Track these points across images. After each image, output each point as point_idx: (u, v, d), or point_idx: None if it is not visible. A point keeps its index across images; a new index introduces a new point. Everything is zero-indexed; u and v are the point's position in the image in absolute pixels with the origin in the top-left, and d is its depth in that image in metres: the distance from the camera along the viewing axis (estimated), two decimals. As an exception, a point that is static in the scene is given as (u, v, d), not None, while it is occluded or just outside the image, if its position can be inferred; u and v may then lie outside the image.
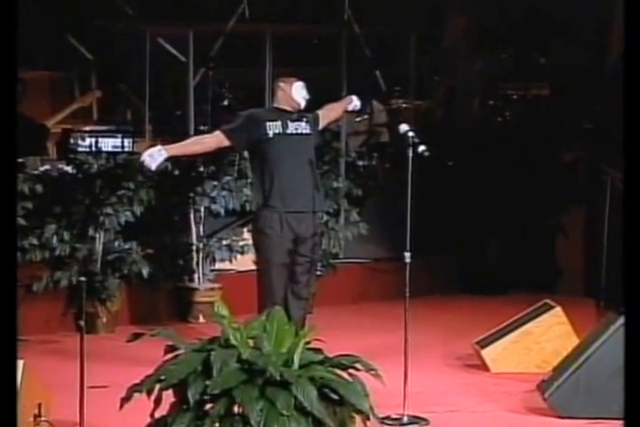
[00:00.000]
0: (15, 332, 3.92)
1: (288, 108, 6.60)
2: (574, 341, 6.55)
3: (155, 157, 6.42)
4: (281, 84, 6.63)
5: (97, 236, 7.81)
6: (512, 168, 9.78)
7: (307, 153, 6.55)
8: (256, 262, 6.76)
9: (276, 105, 6.67)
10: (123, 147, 8.77)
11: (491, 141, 10.18)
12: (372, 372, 4.33)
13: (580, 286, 9.24)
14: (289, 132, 6.53)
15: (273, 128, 6.50)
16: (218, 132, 6.58)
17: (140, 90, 9.74)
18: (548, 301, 7.11)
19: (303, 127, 6.59)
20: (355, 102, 7.02)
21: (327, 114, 6.90)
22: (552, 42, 10.58)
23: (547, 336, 6.84)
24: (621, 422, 5.56)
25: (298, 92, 6.60)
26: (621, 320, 5.76)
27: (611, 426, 5.61)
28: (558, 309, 6.94)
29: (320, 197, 6.61)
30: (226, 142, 6.54)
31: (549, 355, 6.64)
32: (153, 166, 6.46)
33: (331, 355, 4.41)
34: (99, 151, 8.31)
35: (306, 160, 6.52)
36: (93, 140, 8.61)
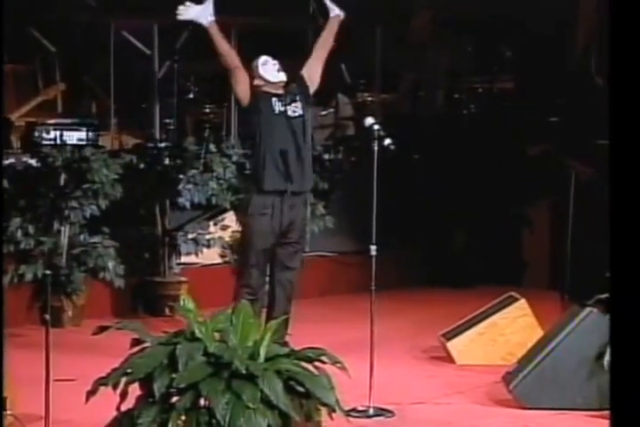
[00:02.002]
0: (2, 325, 3.90)
1: (277, 92, 6.53)
2: (539, 333, 6.59)
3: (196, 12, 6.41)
4: (256, 82, 6.51)
5: (62, 229, 7.77)
6: (478, 161, 9.82)
7: (304, 134, 6.54)
8: (240, 244, 6.78)
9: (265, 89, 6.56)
10: (87, 140, 8.73)
11: (456, 134, 10.22)
12: (338, 365, 4.34)
13: (545, 279, 9.30)
14: (289, 114, 6.50)
15: (278, 106, 6.49)
16: (239, 66, 6.50)
17: (104, 83, 9.69)
18: (512, 293, 7.15)
19: (299, 108, 6.55)
20: (336, 12, 6.94)
21: (315, 64, 6.73)
22: (517, 35, 10.63)
23: (512, 328, 6.89)
24: (585, 412, 5.65)
25: (266, 70, 6.51)
26: (585, 312, 5.81)
27: (574, 417, 5.66)
28: (523, 301, 6.98)
29: (310, 176, 6.65)
30: (236, 71, 6.47)
31: (514, 347, 6.68)
32: (185, 16, 6.48)
33: (297, 348, 4.41)
34: (63, 144, 8.26)
35: (302, 142, 6.52)
36: (58, 133, 8.55)
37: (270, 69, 6.55)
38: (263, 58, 6.59)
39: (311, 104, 6.80)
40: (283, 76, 6.57)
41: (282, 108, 6.51)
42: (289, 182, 6.43)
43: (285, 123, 6.49)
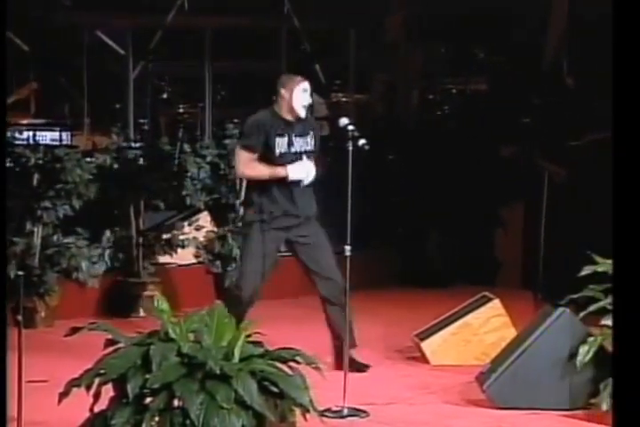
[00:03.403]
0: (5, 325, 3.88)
1: (290, 118, 6.41)
2: (512, 333, 6.61)
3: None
4: (282, 92, 6.38)
5: (35, 230, 7.74)
6: (452, 162, 9.85)
7: None
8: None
9: (277, 110, 6.43)
10: (61, 140, 8.70)
11: (430, 135, 10.24)
12: (313, 365, 4.34)
13: (519, 279, 9.33)
14: (294, 150, 6.41)
15: (280, 146, 6.37)
16: (240, 151, 6.42)
17: (78, 83, 9.66)
18: (486, 293, 7.16)
19: (308, 143, 6.47)
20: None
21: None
22: (491, 37, 10.67)
23: (485, 328, 6.90)
24: (557, 412, 5.68)
25: (298, 100, 6.38)
26: (558, 312, 5.84)
27: (547, 417, 5.68)
28: (497, 301, 7.00)
29: (312, 209, 6.64)
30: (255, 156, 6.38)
31: (488, 347, 6.70)
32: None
33: (271, 348, 4.41)
34: (36, 144, 8.23)
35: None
36: (31, 133, 8.53)
37: (301, 103, 6.40)
38: (302, 86, 6.41)
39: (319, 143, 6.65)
40: (303, 113, 6.45)
41: (288, 146, 6.42)
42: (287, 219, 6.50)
43: (291, 158, 6.43)
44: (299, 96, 6.38)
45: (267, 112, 6.51)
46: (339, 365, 6.08)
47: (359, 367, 6.42)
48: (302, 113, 6.40)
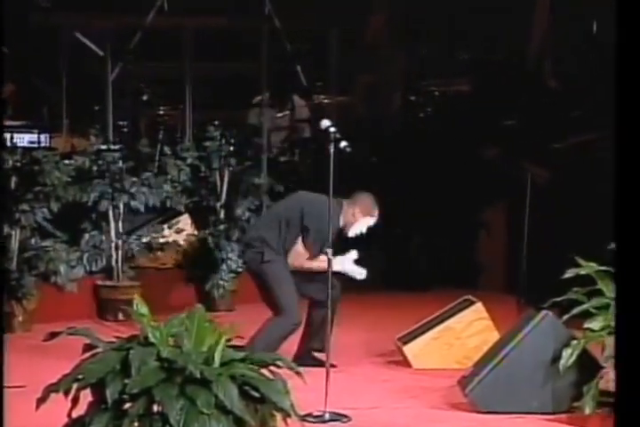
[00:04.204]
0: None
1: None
2: (495, 336, 6.59)
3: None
4: (355, 210, 6.70)
5: (13, 233, 7.66)
6: (434, 164, 9.83)
7: None
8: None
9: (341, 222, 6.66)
10: (39, 142, 8.63)
11: (413, 137, 10.22)
12: (294, 369, 4.29)
13: (501, 282, 9.32)
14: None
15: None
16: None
17: (56, 84, 9.60)
18: (469, 296, 7.14)
19: None
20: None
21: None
22: (474, 38, 10.68)
23: (468, 332, 6.87)
24: (540, 416, 5.65)
25: (359, 227, 6.72)
26: (540, 316, 5.81)
27: (530, 421, 5.65)
28: (479, 304, 6.97)
29: None
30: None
31: (471, 351, 6.67)
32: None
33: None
34: (14, 147, 8.15)
35: None
36: (8, 135, 8.45)
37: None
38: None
39: None
40: None
41: None
42: None
43: None
44: (362, 224, 6.72)
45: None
46: (295, 359, 6.23)
47: (318, 364, 6.42)
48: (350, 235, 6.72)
